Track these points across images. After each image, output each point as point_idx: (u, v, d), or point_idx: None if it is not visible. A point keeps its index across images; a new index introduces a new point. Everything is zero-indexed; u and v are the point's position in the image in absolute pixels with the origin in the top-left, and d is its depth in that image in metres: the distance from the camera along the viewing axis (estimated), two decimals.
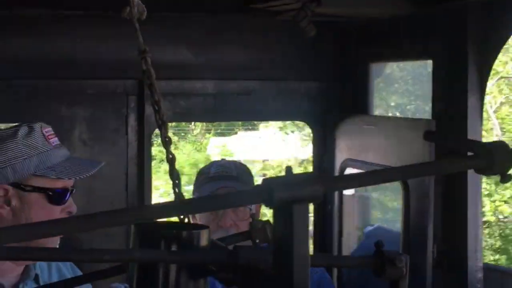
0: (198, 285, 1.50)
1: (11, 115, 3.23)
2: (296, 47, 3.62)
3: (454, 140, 1.66)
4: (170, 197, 3.22)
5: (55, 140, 2.45)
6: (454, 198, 2.99)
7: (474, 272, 2.95)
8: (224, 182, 3.11)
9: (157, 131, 2.21)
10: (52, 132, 2.47)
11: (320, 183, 1.22)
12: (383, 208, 3.72)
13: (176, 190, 2.41)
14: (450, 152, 1.76)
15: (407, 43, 3.31)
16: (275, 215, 1.21)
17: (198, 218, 3.18)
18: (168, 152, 2.42)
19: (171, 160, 2.44)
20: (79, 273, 2.66)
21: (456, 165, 1.31)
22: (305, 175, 1.24)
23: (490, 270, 3.40)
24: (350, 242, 3.74)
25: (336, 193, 3.61)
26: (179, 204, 1.18)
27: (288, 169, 1.25)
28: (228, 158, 3.47)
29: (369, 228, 3.81)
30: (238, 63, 3.61)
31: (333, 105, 3.68)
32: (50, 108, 3.25)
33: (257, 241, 1.54)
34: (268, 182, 1.20)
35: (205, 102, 3.52)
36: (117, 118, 3.34)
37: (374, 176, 1.26)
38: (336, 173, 3.62)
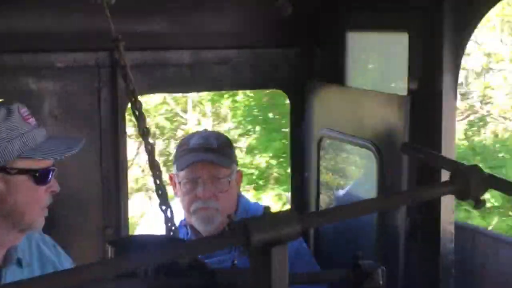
0: None
1: None
2: (273, 14, 3.56)
3: (430, 156, 1.67)
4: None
5: (33, 120, 2.45)
6: (428, 168, 3.02)
7: (447, 243, 3.01)
8: (203, 155, 3.11)
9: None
10: (29, 113, 2.46)
11: (298, 223, 1.22)
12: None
13: (157, 181, 2.42)
14: (423, 153, 1.78)
15: (383, 14, 3.27)
16: (252, 257, 1.21)
17: (178, 188, 3.19)
18: (147, 143, 2.41)
19: (150, 151, 2.43)
20: (62, 252, 2.68)
21: (432, 192, 1.31)
22: (282, 214, 1.24)
23: (462, 228, 3.47)
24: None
25: (313, 163, 3.64)
26: (155, 253, 1.17)
27: (266, 208, 1.25)
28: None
29: (341, 192, 3.86)
30: (214, 31, 3.53)
31: (310, 73, 3.65)
32: (18, 83, 3.17)
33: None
34: (245, 224, 1.19)
35: (181, 72, 3.46)
36: (89, 92, 3.27)
37: (352, 209, 1.26)
38: (314, 143, 3.63)
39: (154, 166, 2.37)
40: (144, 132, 2.32)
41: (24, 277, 2.44)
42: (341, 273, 1.63)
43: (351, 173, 3.76)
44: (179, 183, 3.17)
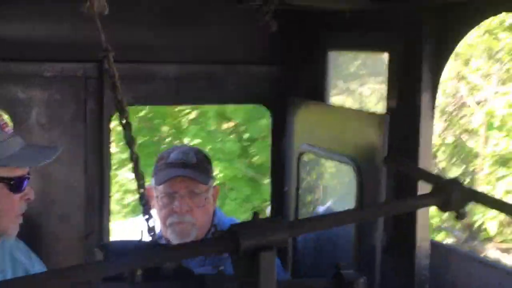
0: None
1: None
2: (257, 31, 3.63)
3: (411, 168, 1.74)
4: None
5: (9, 129, 2.49)
6: (406, 184, 3.10)
7: (422, 259, 3.08)
8: (182, 171, 3.14)
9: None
10: (5, 121, 2.51)
11: (287, 229, 1.26)
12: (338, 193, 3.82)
13: (141, 191, 2.45)
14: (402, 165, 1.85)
15: (365, 35, 3.36)
16: (240, 262, 1.24)
17: (156, 201, 3.22)
18: (132, 151, 2.44)
19: (135, 159, 2.47)
20: (36, 259, 2.69)
21: (416, 203, 1.38)
22: (271, 220, 1.28)
23: (435, 246, 3.55)
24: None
25: (293, 177, 3.70)
26: (142, 256, 1.22)
27: (255, 214, 1.29)
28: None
29: (321, 208, 3.92)
30: (200, 46, 3.60)
31: (292, 90, 3.73)
32: (6, 91, 3.21)
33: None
34: (234, 229, 1.23)
35: (166, 85, 3.51)
36: (75, 102, 3.31)
37: (339, 218, 1.32)
38: (294, 158, 3.69)
39: (138, 175, 2.40)
40: (130, 142, 2.36)
41: None
42: (323, 282, 1.67)
43: (331, 189, 3.82)
44: (157, 197, 3.20)
